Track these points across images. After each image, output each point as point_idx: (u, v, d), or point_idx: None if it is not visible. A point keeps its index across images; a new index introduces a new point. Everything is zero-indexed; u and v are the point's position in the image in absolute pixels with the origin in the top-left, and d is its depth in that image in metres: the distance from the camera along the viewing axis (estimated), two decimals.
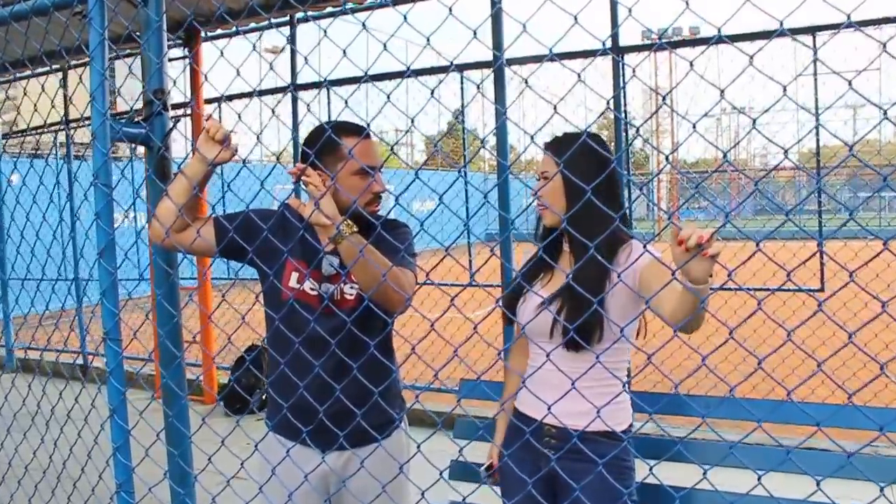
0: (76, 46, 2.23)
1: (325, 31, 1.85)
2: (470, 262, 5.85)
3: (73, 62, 6.50)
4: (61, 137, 8.35)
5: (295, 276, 2.18)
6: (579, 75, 1.55)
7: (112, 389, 2.03)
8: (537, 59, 4.80)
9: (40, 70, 6.25)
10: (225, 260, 2.29)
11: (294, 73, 5.68)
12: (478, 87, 1.80)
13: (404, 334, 2.02)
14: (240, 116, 2.16)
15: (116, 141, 2.02)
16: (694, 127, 1.47)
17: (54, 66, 6.11)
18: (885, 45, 1.23)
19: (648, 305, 1.66)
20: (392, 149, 1.95)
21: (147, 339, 7.31)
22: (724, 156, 1.35)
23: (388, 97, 1.81)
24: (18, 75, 4.76)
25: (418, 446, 1.64)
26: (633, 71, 1.87)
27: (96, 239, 2.01)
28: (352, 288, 2.16)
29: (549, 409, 1.51)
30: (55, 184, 3.60)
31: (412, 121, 1.76)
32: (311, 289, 2.17)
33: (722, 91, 1.40)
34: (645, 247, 1.67)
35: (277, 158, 2.58)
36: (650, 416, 1.70)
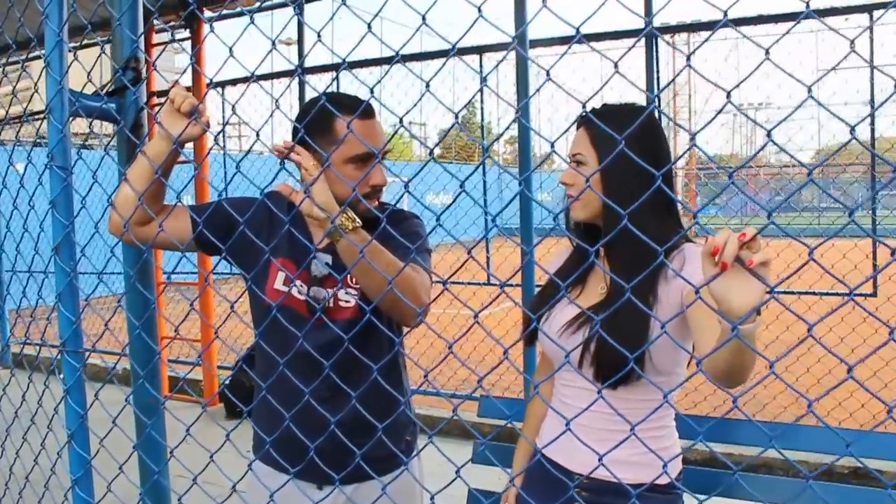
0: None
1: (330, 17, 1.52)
2: (487, 259, 5.51)
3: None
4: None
5: (281, 277, 1.83)
6: (616, 65, 1.16)
7: (70, 412, 1.72)
8: (564, 40, 4.46)
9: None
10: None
11: (301, 56, 5.36)
12: (496, 66, 1.41)
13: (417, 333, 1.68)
14: (233, 108, 1.82)
15: (76, 116, 1.70)
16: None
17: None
18: None
19: (664, 331, 1.32)
20: (416, 140, 1.58)
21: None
22: (768, 133, 1.03)
23: (428, 85, 1.41)
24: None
25: (432, 497, 1.30)
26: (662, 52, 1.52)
27: (52, 231, 1.69)
28: (348, 293, 1.79)
29: (600, 459, 1.14)
30: (43, 171, 3.30)
31: (401, 118, 1.41)
32: (300, 293, 1.82)
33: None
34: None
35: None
36: (701, 441, 1.36)
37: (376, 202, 1.80)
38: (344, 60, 1.27)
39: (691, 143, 1.05)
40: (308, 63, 5.91)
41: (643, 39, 4.37)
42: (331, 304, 1.79)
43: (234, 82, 5.62)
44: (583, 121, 1.62)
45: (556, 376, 1.70)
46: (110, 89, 1.81)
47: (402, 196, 1.29)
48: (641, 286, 1.45)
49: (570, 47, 1.33)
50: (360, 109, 1.62)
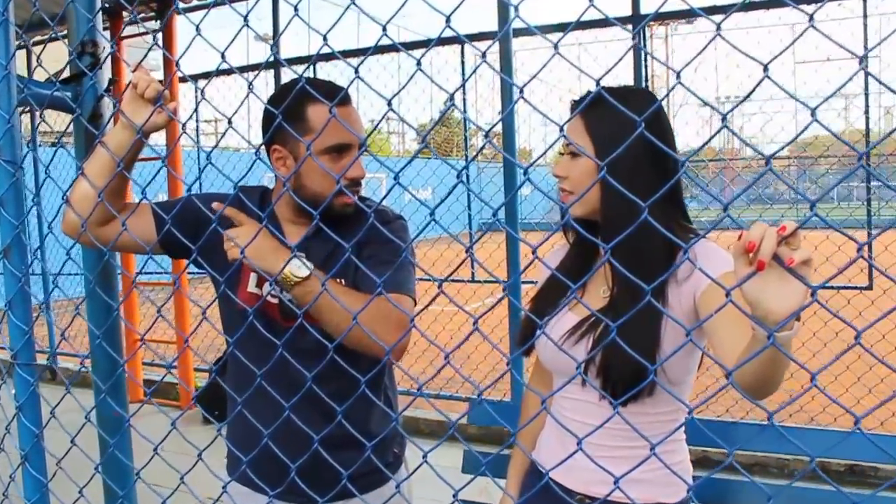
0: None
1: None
2: (472, 255, 5.35)
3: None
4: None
5: (254, 278, 1.66)
6: (641, 54, 1.03)
7: (24, 432, 1.56)
8: (547, 29, 4.32)
9: None
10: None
11: (277, 47, 5.17)
12: (483, 56, 1.22)
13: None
14: (203, 93, 1.67)
15: (24, 105, 1.53)
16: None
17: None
18: None
19: (691, 339, 1.18)
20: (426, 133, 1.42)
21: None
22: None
23: (419, 63, 1.27)
24: None
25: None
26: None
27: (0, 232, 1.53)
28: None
29: (616, 482, 1.00)
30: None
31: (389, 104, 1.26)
32: (274, 295, 1.65)
33: (765, 67, 0.89)
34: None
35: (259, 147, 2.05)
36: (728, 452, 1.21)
37: (350, 199, 1.61)
38: (325, 37, 1.13)
39: (722, 125, 0.92)
40: (284, 56, 5.74)
41: (631, 27, 4.25)
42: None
43: (207, 75, 5.41)
44: (576, 105, 1.44)
45: (555, 385, 1.56)
46: (66, 76, 1.65)
47: (390, 189, 1.15)
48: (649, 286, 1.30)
49: (563, 35, 1.20)
50: (339, 97, 1.47)
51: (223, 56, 1.23)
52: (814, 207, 0.83)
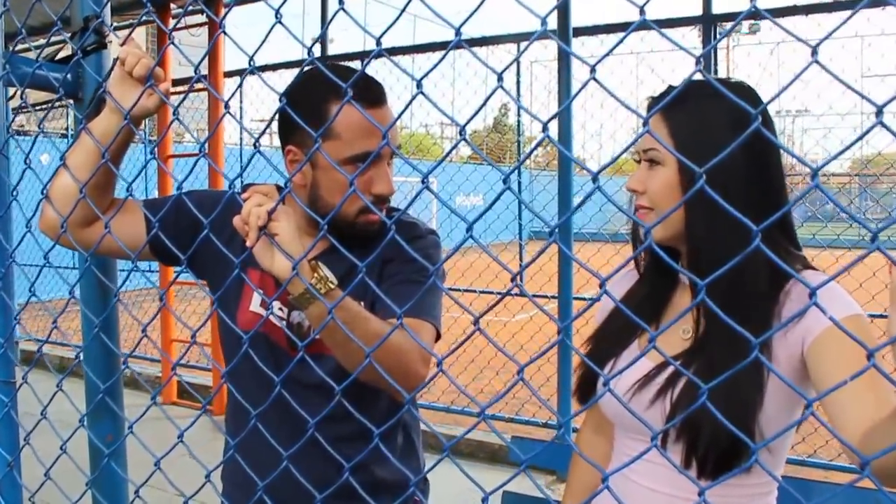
0: None
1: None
2: (521, 265, 5.10)
3: None
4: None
5: (258, 295, 1.41)
6: (699, 59, 0.76)
7: None
8: (608, 28, 4.06)
9: None
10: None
11: (324, 45, 5.01)
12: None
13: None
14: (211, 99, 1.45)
15: (8, 84, 1.34)
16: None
17: None
18: None
19: (812, 412, 0.92)
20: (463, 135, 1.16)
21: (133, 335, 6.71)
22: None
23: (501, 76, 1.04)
24: None
25: None
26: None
27: None
28: None
29: None
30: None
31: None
32: (280, 317, 1.40)
33: (814, 49, 0.63)
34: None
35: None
36: None
37: (376, 218, 1.35)
38: (378, 40, 0.90)
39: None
40: (335, 52, 5.56)
41: (699, 28, 3.96)
42: (312, 331, 1.35)
43: (252, 71, 5.22)
44: (655, 103, 1.18)
45: (618, 439, 1.29)
46: (63, 56, 1.45)
47: (419, 192, 0.91)
48: (753, 334, 1.03)
49: (625, 36, 0.93)
50: (373, 97, 1.25)
51: (245, 66, 1.02)
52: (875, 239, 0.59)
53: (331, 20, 1.09)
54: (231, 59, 4.90)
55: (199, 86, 5.94)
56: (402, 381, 1.15)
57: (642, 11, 0.71)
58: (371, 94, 1.31)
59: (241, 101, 5.81)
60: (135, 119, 1.23)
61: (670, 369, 1.11)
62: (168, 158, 5.36)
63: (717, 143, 1.05)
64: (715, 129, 1.10)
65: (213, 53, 4.86)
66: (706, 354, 1.09)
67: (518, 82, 4.73)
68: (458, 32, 0.81)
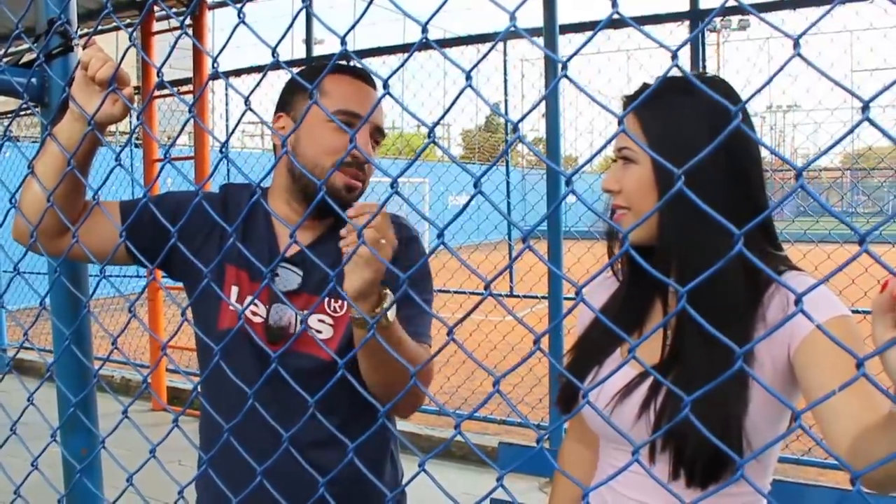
0: None
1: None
2: (511, 266, 5.08)
3: None
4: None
5: (235, 292, 1.39)
6: (674, 54, 0.71)
7: None
8: (595, 26, 4.02)
9: None
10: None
11: (309, 47, 4.95)
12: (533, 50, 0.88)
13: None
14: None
15: None
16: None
17: None
18: None
19: (800, 425, 0.87)
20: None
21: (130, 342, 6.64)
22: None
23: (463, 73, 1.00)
24: None
25: None
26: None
27: None
28: (323, 322, 1.36)
29: None
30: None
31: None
32: (256, 313, 1.39)
33: (796, 41, 0.61)
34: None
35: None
36: None
37: (357, 184, 1.38)
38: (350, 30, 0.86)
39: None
40: (323, 52, 5.51)
41: (685, 26, 3.93)
42: (291, 329, 1.36)
43: (238, 73, 5.19)
44: (630, 100, 1.14)
45: (603, 450, 1.26)
46: (27, 59, 1.41)
47: (390, 196, 0.88)
48: (735, 341, 0.99)
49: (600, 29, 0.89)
50: (363, 74, 1.40)
51: (215, 58, 0.98)
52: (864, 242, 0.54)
53: (294, 18, 1.05)
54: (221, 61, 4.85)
55: (185, 88, 5.89)
56: (412, 399, 1.30)
57: (615, 4, 0.67)
58: (360, 71, 1.41)
59: (226, 104, 5.76)
60: (100, 125, 1.18)
61: (651, 381, 1.07)
62: (153, 163, 5.30)
63: (690, 139, 1.03)
64: (686, 125, 1.06)
65: (197, 56, 4.81)
66: (686, 362, 1.05)
67: (505, 81, 4.69)
68: (424, 29, 0.78)
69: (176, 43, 1.11)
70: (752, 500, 1.11)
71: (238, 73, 5.15)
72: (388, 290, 1.15)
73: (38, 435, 1.25)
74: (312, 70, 1.50)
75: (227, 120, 6.06)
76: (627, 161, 1.12)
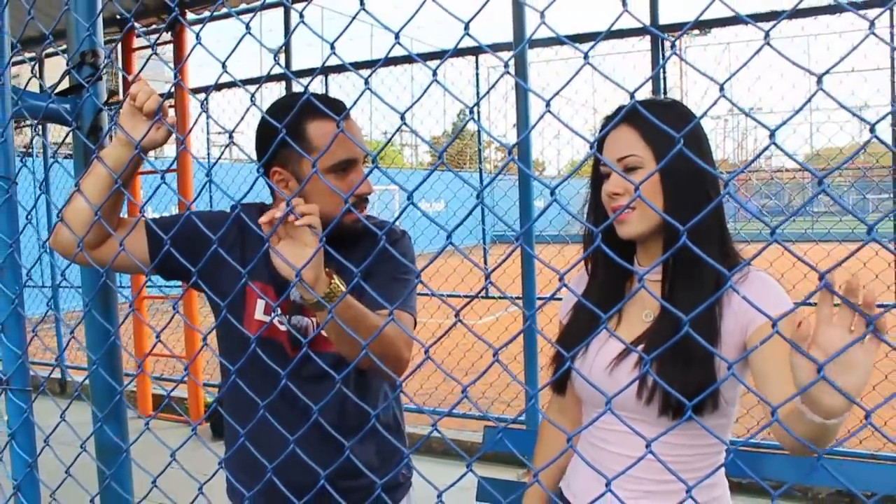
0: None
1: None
2: (486, 268, 5.26)
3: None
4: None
5: (261, 305, 1.59)
6: (632, 95, 0.93)
7: (17, 460, 1.48)
8: (572, 38, 4.23)
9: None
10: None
11: (288, 60, 5.12)
12: (505, 66, 1.05)
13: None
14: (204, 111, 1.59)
15: (19, 117, 1.46)
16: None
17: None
18: None
19: (732, 373, 1.11)
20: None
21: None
22: (771, 134, 0.82)
23: (435, 73, 1.20)
24: None
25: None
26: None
27: None
28: None
29: None
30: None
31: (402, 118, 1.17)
32: (282, 322, 1.59)
33: (721, 86, 0.81)
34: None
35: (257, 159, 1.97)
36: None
37: (362, 212, 1.57)
38: (332, 45, 1.04)
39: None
40: (297, 68, 5.68)
41: (648, 39, 4.17)
42: (309, 332, 1.59)
43: (218, 87, 5.36)
44: (629, 116, 1.32)
45: (588, 417, 1.47)
46: (64, 87, 1.58)
47: (405, 208, 1.06)
48: (705, 315, 1.25)
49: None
50: (343, 114, 1.42)
51: (224, 66, 1.16)
52: (872, 231, 0.74)
53: (288, 37, 1.23)
54: (196, 74, 4.99)
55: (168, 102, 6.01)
56: (394, 364, 1.39)
57: (579, 41, 0.87)
58: (338, 109, 1.50)
59: (207, 117, 5.89)
60: (144, 149, 1.37)
61: (640, 349, 1.29)
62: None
63: (683, 151, 1.25)
64: (682, 138, 1.28)
65: (178, 70, 4.95)
66: (666, 327, 1.29)
67: (477, 93, 4.89)
68: (397, 36, 0.97)
69: (146, 63, 1.30)
70: (711, 451, 1.33)
71: (219, 87, 5.31)
72: (329, 269, 1.33)
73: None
74: (285, 108, 1.52)
75: (207, 133, 6.22)
76: (631, 167, 1.32)
